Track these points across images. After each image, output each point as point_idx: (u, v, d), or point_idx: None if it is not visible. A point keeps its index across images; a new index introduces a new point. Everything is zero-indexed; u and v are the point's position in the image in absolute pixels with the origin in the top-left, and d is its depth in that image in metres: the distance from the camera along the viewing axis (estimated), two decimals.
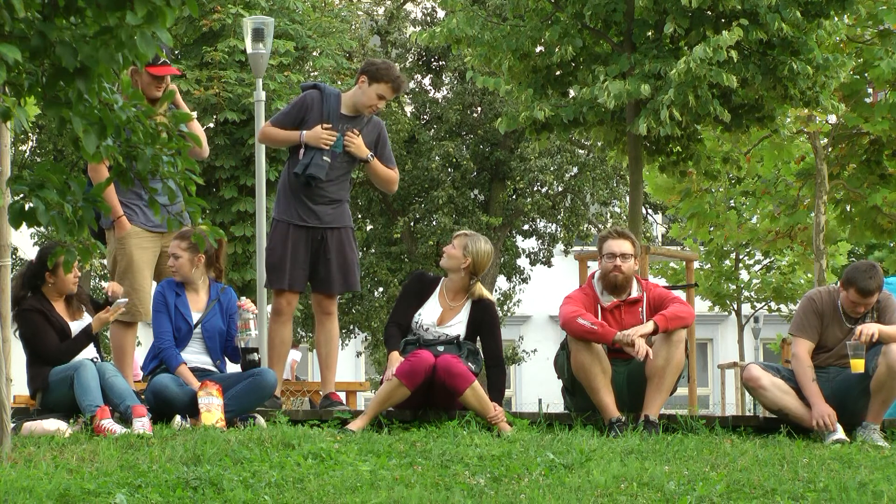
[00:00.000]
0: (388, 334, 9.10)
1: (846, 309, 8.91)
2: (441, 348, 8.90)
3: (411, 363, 8.69)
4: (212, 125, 22.24)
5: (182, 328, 9.08)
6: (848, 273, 8.85)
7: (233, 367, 9.19)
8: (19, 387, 13.30)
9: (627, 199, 21.39)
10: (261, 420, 8.88)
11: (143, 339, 12.98)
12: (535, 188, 30.22)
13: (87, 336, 9.05)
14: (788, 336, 9.41)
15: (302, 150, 9.49)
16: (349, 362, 38.74)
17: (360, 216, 30.70)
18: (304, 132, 9.49)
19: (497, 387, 9.04)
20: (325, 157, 9.45)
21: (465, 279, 9.12)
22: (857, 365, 8.67)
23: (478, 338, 9.15)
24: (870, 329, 8.64)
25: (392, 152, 9.79)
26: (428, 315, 9.08)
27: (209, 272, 9.27)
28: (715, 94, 14.97)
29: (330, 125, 9.49)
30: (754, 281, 32.40)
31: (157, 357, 9.06)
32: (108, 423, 8.31)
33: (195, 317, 9.13)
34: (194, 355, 9.09)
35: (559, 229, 31.05)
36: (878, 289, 8.81)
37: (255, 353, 9.14)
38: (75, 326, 9.10)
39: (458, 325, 9.08)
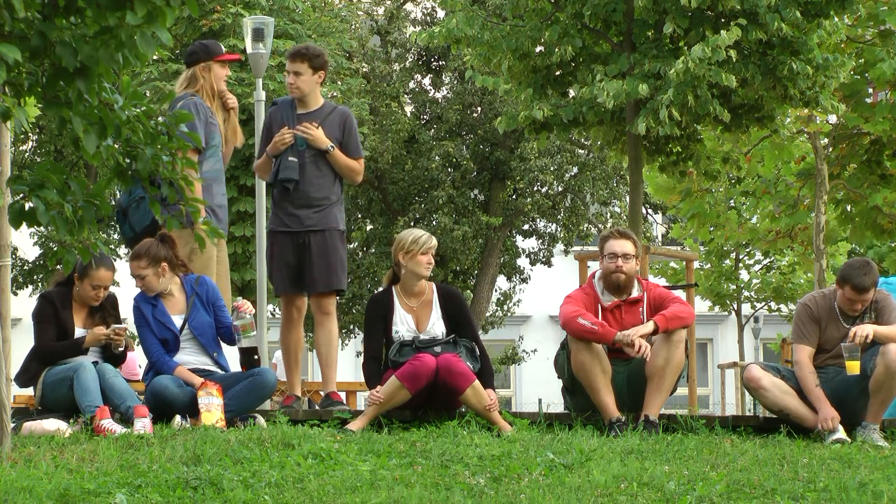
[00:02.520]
0: (369, 372, 8.96)
1: (843, 307, 8.91)
2: (438, 349, 8.89)
3: (414, 366, 8.67)
4: None
5: (168, 337, 9.01)
6: (843, 271, 8.85)
7: (233, 360, 9.15)
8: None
9: (627, 199, 21.39)
10: (261, 420, 8.88)
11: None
12: (535, 188, 30.22)
13: (76, 346, 8.99)
14: (789, 338, 9.41)
15: (273, 163, 9.55)
16: (349, 362, 38.73)
17: (360, 216, 30.70)
18: (267, 147, 9.58)
19: (486, 371, 9.00)
20: (290, 158, 9.51)
21: None
22: (853, 367, 8.66)
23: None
24: (864, 330, 8.63)
25: (359, 142, 9.80)
26: (404, 327, 9.03)
27: (176, 272, 9.21)
28: (714, 94, 14.97)
29: (286, 128, 9.56)
30: (754, 281, 32.39)
31: (151, 370, 9.04)
32: (108, 423, 8.31)
33: (178, 320, 9.08)
34: (190, 356, 9.06)
35: (559, 229, 31.05)
36: (872, 285, 8.81)
37: (255, 354, 9.14)
38: (80, 334, 9.07)
39: (437, 324, 9.05)
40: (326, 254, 9.53)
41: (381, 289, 9.26)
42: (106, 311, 9.18)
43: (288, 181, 9.48)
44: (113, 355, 9.10)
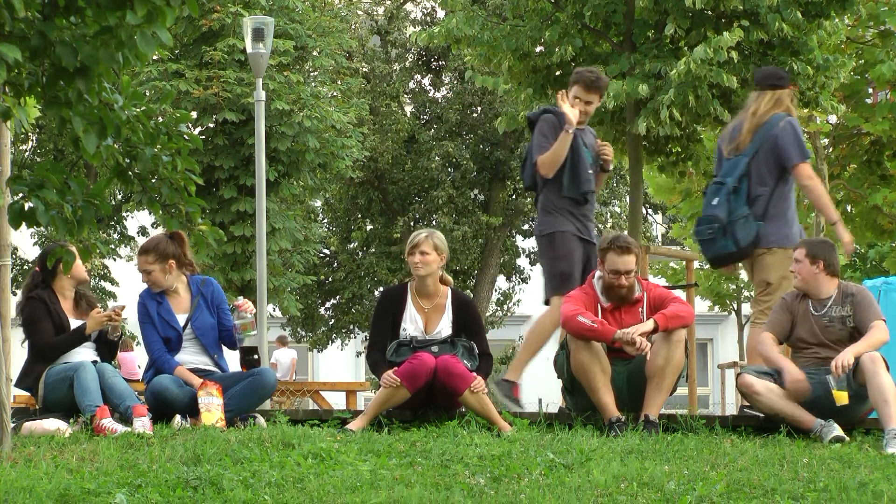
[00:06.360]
0: (374, 360, 8.96)
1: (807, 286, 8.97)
2: (435, 349, 8.86)
3: (413, 365, 8.66)
4: (211, 125, 22.25)
5: (171, 335, 9.01)
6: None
7: (233, 362, 9.16)
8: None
9: (627, 199, 21.38)
10: (261, 420, 8.88)
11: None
12: None
13: (80, 335, 9.00)
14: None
15: (566, 170, 9.85)
16: (349, 362, 38.76)
17: (359, 216, 30.70)
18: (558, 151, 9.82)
19: (484, 368, 8.96)
20: (590, 171, 9.91)
21: (437, 276, 9.09)
22: (841, 397, 8.61)
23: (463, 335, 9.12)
24: (845, 360, 8.60)
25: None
26: (412, 326, 9.01)
27: (183, 271, 9.22)
28: (715, 95, 14.98)
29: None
30: None
31: (152, 367, 9.04)
32: (108, 423, 8.30)
33: (181, 319, 9.07)
34: (191, 356, 9.05)
35: None
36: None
37: (255, 353, 9.14)
38: (76, 325, 9.07)
39: (446, 328, 9.01)
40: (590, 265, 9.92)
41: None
42: (87, 296, 9.22)
43: (590, 192, 9.92)
44: (108, 343, 9.08)
